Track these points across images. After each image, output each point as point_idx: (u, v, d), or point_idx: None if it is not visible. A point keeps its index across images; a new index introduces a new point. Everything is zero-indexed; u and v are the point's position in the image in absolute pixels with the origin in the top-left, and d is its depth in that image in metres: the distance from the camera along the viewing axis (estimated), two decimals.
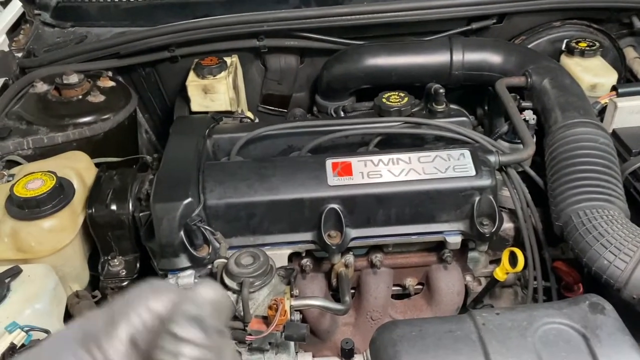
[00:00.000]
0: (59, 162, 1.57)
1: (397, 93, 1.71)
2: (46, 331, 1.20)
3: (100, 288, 1.49)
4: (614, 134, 1.54)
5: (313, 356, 1.27)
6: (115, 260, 1.49)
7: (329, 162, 1.41)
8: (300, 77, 2.14)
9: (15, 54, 2.01)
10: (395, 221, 1.39)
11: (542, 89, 1.63)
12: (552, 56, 1.85)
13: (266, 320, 1.17)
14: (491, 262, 1.56)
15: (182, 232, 1.31)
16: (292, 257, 1.43)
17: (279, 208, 1.37)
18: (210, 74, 1.77)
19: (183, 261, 1.33)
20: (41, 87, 1.87)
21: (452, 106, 1.70)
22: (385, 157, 1.41)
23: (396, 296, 1.57)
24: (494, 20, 1.99)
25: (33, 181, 1.44)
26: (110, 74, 1.98)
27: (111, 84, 1.91)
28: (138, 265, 1.50)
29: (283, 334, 1.15)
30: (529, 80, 1.68)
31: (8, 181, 1.53)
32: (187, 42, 1.97)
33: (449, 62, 1.81)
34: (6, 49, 2.00)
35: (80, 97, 1.82)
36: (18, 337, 1.15)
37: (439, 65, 1.82)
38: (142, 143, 2.08)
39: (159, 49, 1.99)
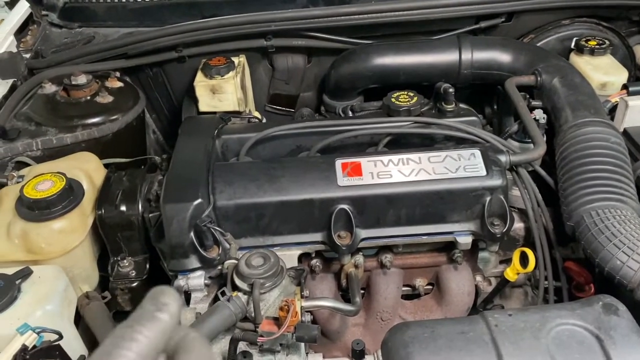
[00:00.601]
0: (68, 163, 1.58)
1: (406, 92, 1.70)
2: (57, 332, 1.20)
3: (110, 289, 1.49)
4: (625, 133, 1.53)
5: (323, 357, 1.27)
6: (125, 261, 1.49)
7: (338, 163, 1.41)
8: (308, 77, 2.14)
9: (23, 55, 2.01)
10: (405, 221, 1.38)
11: (552, 87, 1.62)
12: (561, 55, 1.84)
13: (277, 321, 1.16)
14: (501, 262, 1.55)
15: (192, 233, 1.31)
16: (301, 258, 1.43)
17: (289, 209, 1.36)
18: (218, 74, 1.77)
19: (193, 262, 1.32)
20: (49, 88, 1.88)
21: (461, 105, 1.69)
22: (395, 157, 1.40)
23: (406, 297, 1.57)
24: (503, 19, 1.98)
25: (43, 182, 1.44)
26: (118, 74, 1.98)
27: (119, 84, 1.91)
28: (148, 266, 1.50)
29: (294, 335, 1.14)
30: (539, 79, 1.67)
31: (18, 182, 1.54)
32: (195, 42, 1.97)
33: (457, 61, 1.80)
34: (14, 50, 2.01)
35: (88, 97, 1.83)
36: (30, 339, 1.16)
37: (447, 64, 1.81)
38: (150, 144, 2.09)
39: (166, 49, 1.99)
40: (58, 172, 1.47)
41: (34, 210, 1.40)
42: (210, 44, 1.97)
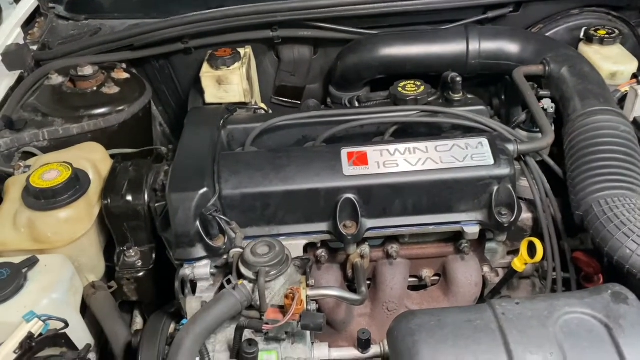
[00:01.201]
0: (74, 153, 1.58)
1: (413, 82, 1.69)
2: (63, 321, 1.21)
3: (116, 279, 1.49)
4: (635, 122, 1.51)
5: (329, 347, 1.27)
6: (131, 250, 1.49)
7: (344, 152, 1.40)
8: (314, 68, 2.13)
9: (30, 47, 2.01)
10: (412, 211, 1.37)
11: (560, 77, 1.60)
12: (570, 44, 1.82)
13: (282, 309, 1.16)
14: (509, 253, 1.54)
15: (197, 222, 1.31)
16: (307, 248, 1.42)
17: (294, 198, 1.36)
18: (224, 65, 1.77)
19: (199, 251, 1.32)
20: (56, 79, 1.88)
21: (468, 95, 1.68)
22: (401, 147, 1.39)
23: (412, 287, 1.56)
24: (511, 9, 1.97)
25: (49, 172, 1.44)
26: (124, 65, 1.98)
27: (125, 75, 1.92)
28: (154, 255, 1.50)
29: (299, 323, 1.14)
30: (547, 68, 1.65)
31: (24, 172, 1.54)
32: (201, 34, 1.97)
33: (465, 51, 1.78)
34: (21, 42, 2.01)
35: (94, 88, 1.83)
36: (36, 327, 1.16)
37: (455, 54, 1.80)
38: (156, 135, 2.09)
39: (172, 41, 1.99)
40: (64, 162, 1.48)
41: (41, 199, 1.41)
42: (216, 35, 1.97)
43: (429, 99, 1.66)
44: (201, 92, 1.79)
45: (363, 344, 1.23)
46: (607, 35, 1.78)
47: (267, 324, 1.12)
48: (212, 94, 1.79)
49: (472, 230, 1.38)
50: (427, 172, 1.35)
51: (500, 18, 1.98)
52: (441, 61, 1.81)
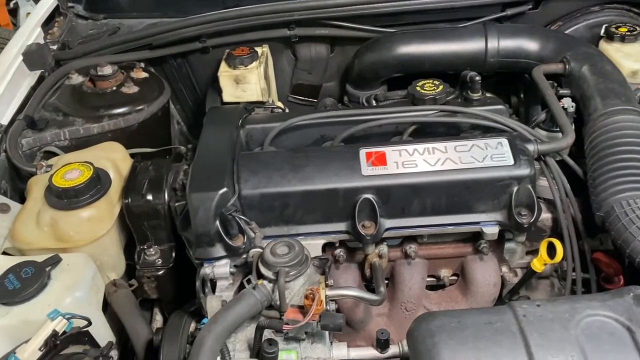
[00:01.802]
0: (95, 153, 1.60)
1: (431, 81, 1.68)
2: (86, 319, 1.23)
3: (136, 277, 1.51)
4: None
5: (347, 346, 1.27)
6: (151, 249, 1.51)
7: (362, 152, 1.40)
8: (331, 67, 2.13)
9: (50, 47, 2.03)
10: (430, 212, 1.37)
11: (581, 75, 1.59)
12: (590, 42, 1.80)
13: (302, 309, 1.17)
14: (527, 253, 1.53)
15: (217, 222, 1.32)
16: (325, 248, 1.43)
17: (313, 198, 1.36)
18: (241, 64, 1.78)
19: (218, 250, 1.33)
20: (76, 78, 1.90)
21: (487, 94, 1.67)
22: (420, 147, 1.39)
23: (430, 287, 1.56)
24: (530, 6, 1.95)
25: (71, 171, 1.46)
26: (143, 65, 2.00)
27: (144, 75, 1.93)
28: (173, 254, 1.52)
29: (319, 323, 1.15)
30: (567, 67, 1.63)
31: (46, 172, 1.56)
32: (218, 33, 1.97)
33: (484, 49, 1.77)
34: (41, 41, 2.03)
35: (114, 88, 1.85)
36: (60, 325, 1.17)
37: (473, 52, 1.78)
38: (173, 133, 2.11)
39: (190, 40, 2.00)
40: (86, 162, 1.49)
41: (63, 199, 1.43)
42: (233, 34, 1.98)
43: (448, 99, 1.65)
44: (219, 91, 1.81)
45: (382, 344, 1.24)
46: (628, 33, 1.76)
47: (287, 324, 1.13)
48: (230, 93, 1.80)
49: (492, 230, 1.37)
50: (446, 173, 1.34)
51: (519, 15, 1.96)
52: (459, 59, 1.80)
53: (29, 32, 2.03)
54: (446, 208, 1.37)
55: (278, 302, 1.18)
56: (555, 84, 1.64)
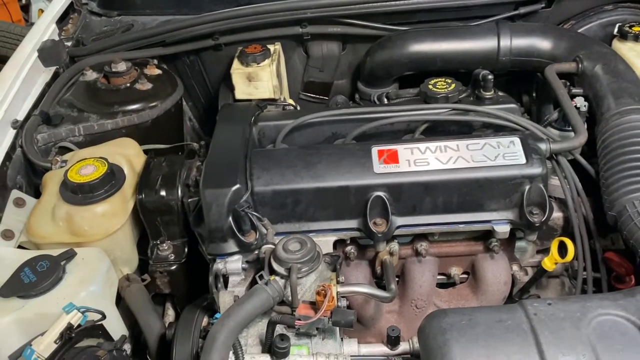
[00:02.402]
0: (109, 149, 1.62)
1: (443, 79, 1.68)
2: (101, 313, 1.24)
3: (149, 272, 1.53)
4: None
5: (357, 343, 1.28)
6: (164, 244, 1.53)
7: (374, 150, 1.40)
8: (342, 64, 2.14)
9: (65, 43, 2.05)
10: (442, 210, 1.37)
11: (594, 75, 1.58)
12: (603, 41, 1.79)
13: (314, 305, 1.18)
14: (538, 251, 1.53)
15: (230, 218, 1.33)
16: (336, 244, 1.44)
17: (325, 195, 1.37)
18: (254, 62, 1.79)
19: (231, 246, 1.34)
20: (90, 75, 1.92)
21: (500, 93, 1.66)
22: (432, 145, 1.40)
23: (441, 285, 1.56)
24: (543, 4, 1.94)
25: (86, 167, 1.48)
26: (156, 61, 2.01)
27: (158, 71, 1.95)
28: (186, 249, 1.53)
29: (330, 319, 1.16)
30: (580, 66, 1.63)
31: (61, 167, 1.58)
32: (231, 30, 1.99)
33: (496, 47, 1.77)
34: (56, 38, 2.05)
35: (128, 84, 1.87)
36: (75, 318, 1.19)
37: (485, 51, 1.78)
38: (186, 130, 2.12)
39: (203, 37, 2.01)
40: (100, 157, 1.51)
41: (78, 194, 1.44)
42: (246, 32, 1.99)
43: (460, 97, 1.65)
44: (231, 88, 1.82)
45: (392, 341, 1.24)
46: None
47: (299, 319, 1.14)
48: (242, 90, 1.81)
49: (503, 229, 1.38)
50: (458, 171, 1.35)
51: (532, 14, 1.95)
52: (472, 58, 1.80)
53: (44, 28, 2.06)
54: (457, 206, 1.37)
55: (290, 298, 1.19)
56: (568, 83, 1.63)
